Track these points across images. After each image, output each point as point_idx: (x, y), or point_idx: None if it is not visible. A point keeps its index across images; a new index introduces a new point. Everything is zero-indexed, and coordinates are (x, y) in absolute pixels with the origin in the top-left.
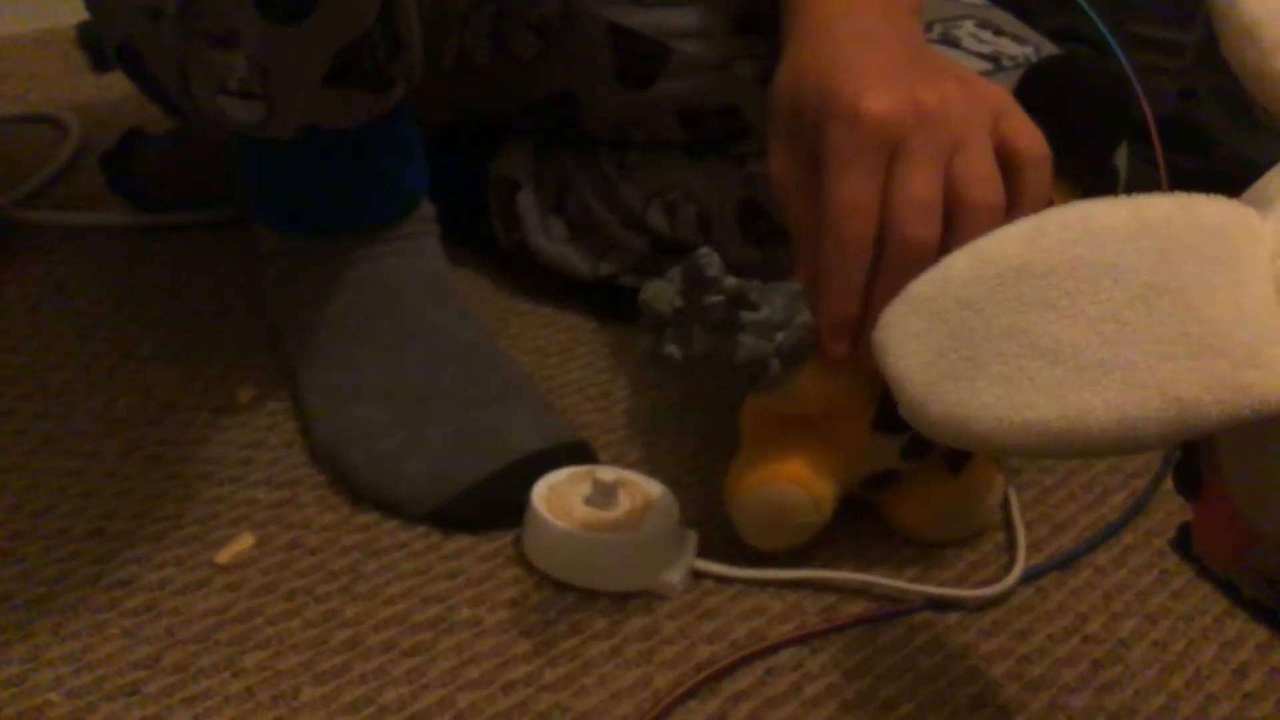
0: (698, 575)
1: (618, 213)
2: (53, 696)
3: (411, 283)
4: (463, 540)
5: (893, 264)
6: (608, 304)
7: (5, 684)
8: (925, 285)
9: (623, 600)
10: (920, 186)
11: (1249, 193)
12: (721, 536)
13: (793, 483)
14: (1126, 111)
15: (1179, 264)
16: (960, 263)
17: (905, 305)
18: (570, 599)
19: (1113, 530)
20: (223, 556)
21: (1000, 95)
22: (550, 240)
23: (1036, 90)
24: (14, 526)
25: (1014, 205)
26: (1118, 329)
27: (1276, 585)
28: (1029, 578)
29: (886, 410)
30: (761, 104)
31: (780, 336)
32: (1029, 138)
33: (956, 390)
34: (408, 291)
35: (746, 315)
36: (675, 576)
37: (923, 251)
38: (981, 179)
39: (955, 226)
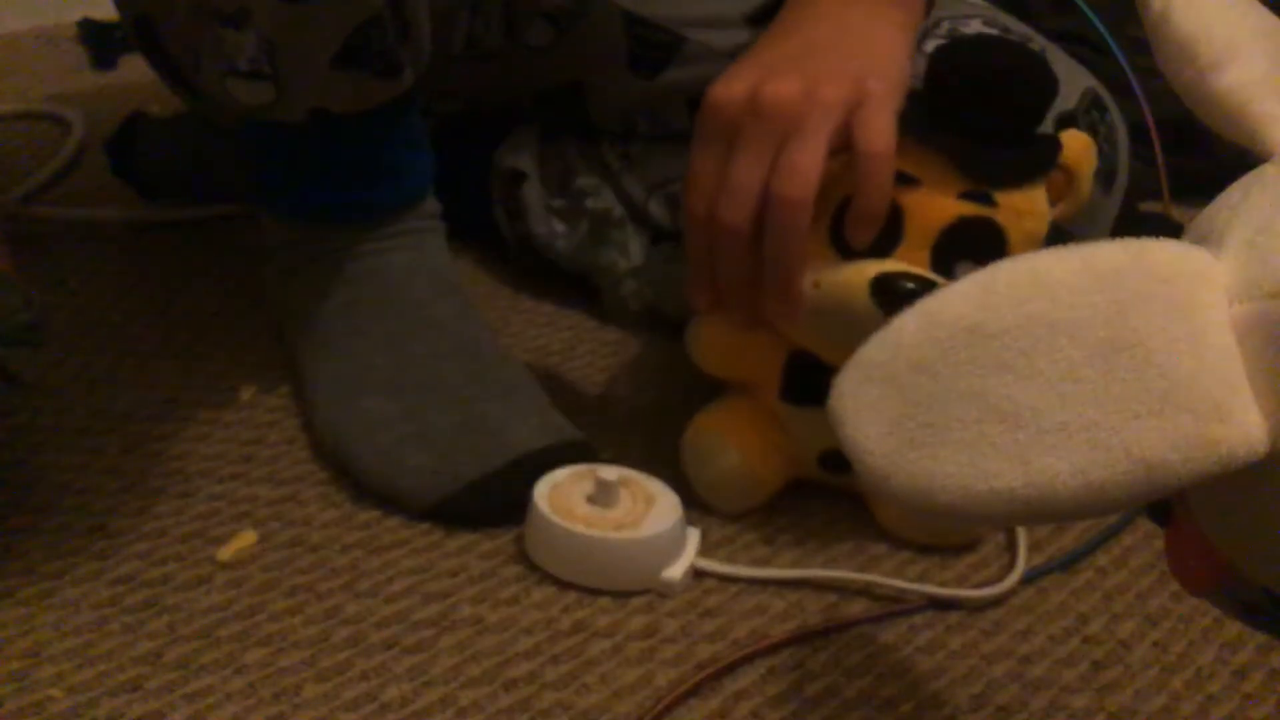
0: (699, 574)
1: (622, 204)
2: (54, 692)
3: (416, 278)
4: (464, 538)
5: (714, 244)
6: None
7: (7, 679)
8: (876, 350)
9: (624, 598)
10: (737, 172)
11: (1196, 224)
12: (723, 534)
13: (712, 430)
14: (1040, 86)
15: (1135, 316)
16: (910, 325)
17: (857, 372)
18: (572, 597)
19: (1113, 531)
20: (224, 553)
21: (865, 91)
22: (552, 232)
23: (946, 68)
24: (15, 522)
25: (854, 197)
26: (1077, 388)
27: (1254, 613)
28: (1029, 578)
29: (790, 381)
30: None
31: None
32: (870, 132)
33: (919, 459)
34: (413, 286)
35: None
36: (677, 575)
37: (734, 234)
38: (789, 171)
39: (765, 216)
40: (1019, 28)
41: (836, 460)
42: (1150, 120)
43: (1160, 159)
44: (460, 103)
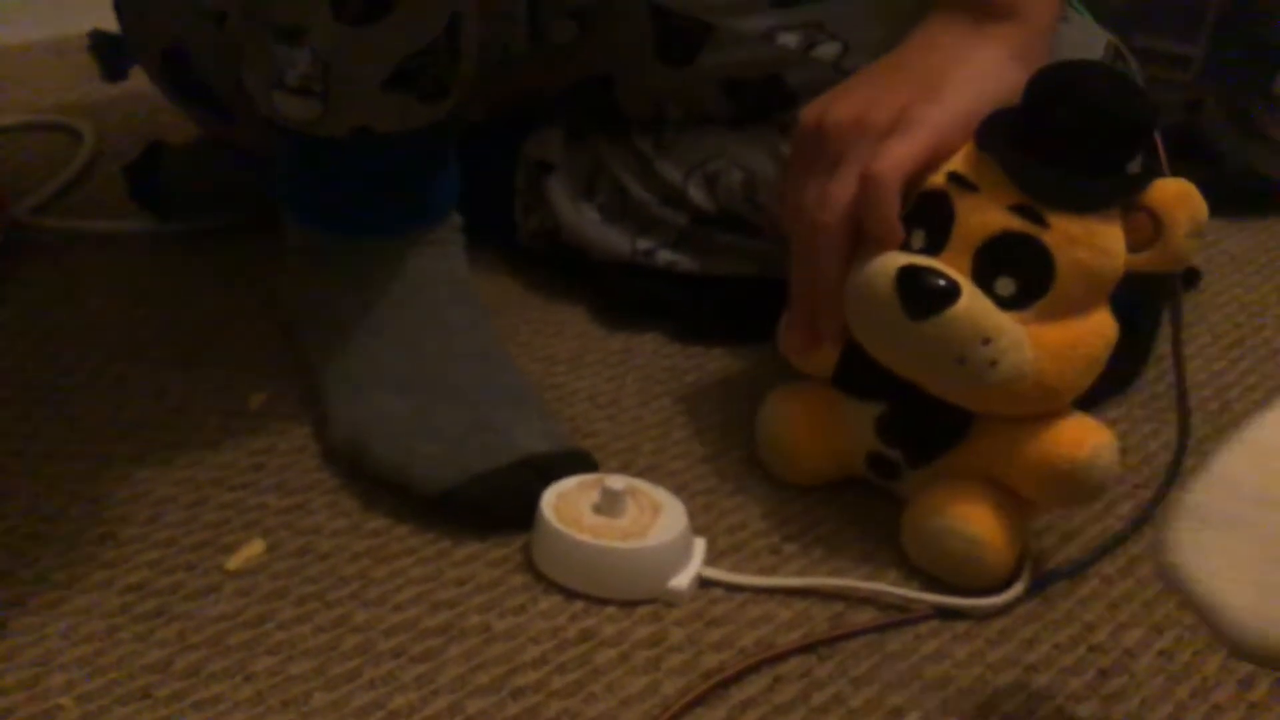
0: (706, 583)
1: (656, 191)
2: (64, 701)
3: (434, 283)
4: (472, 547)
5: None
6: (635, 287)
7: (18, 687)
8: (1204, 493)
9: (631, 608)
10: (794, 192)
11: None
12: (729, 544)
13: (774, 404)
14: (1138, 117)
15: None
16: (1237, 461)
17: (1189, 520)
18: (579, 606)
19: (1119, 540)
20: (233, 563)
21: (908, 117)
22: (584, 220)
23: (1040, 84)
24: (26, 530)
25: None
26: None
27: None
28: (1036, 587)
29: (844, 368)
30: (805, 71)
31: None
32: (879, 156)
33: None
34: (429, 291)
35: None
36: (683, 584)
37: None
38: (820, 198)
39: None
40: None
41: (882, 461)
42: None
43: (1165, 167)
44: (484, 105)
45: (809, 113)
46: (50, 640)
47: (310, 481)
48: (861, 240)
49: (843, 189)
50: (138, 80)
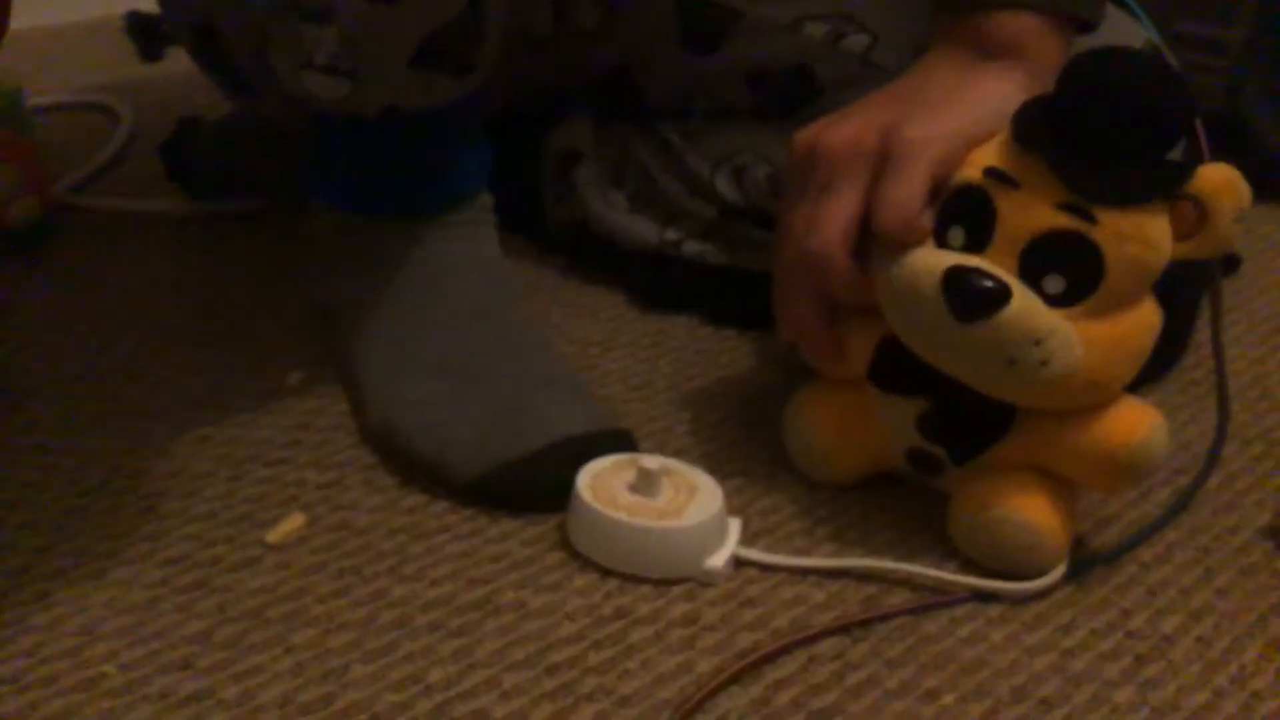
0: (740, 563)
1: (684, 181)
2: (108, 669)
3: (466, 267)
4: (507, 524)
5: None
6: (664, 276)
7: (62, 655)
8: None
9: (666, 586)
10: (785, 215)
11: None
12: (762, 526)
13: (802, 405)
14: (1168, 107)
15: None
16: None
17: None
18: (613, 584)
19: (1157, 526)
20: (273, 536)
21: (898, 141)
22: (612, 210)
23: (1073, 74)
24: (67, 504)
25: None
26: None
27: None
28: (1073, 572)
29: (879, 363)
30: (833, 64)
31: None
32: (881, 194)
33: None
34: (462, 274)
35: None
36: (719, 564)
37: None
38: (809, 223)
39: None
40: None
41: (923, 457)
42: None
43: (1206, 153)
44: (510, 91)
45: (801, 138)
46: (93, 610)
47: (347, 458)
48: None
49: (831, 212)
50: (174, 61)
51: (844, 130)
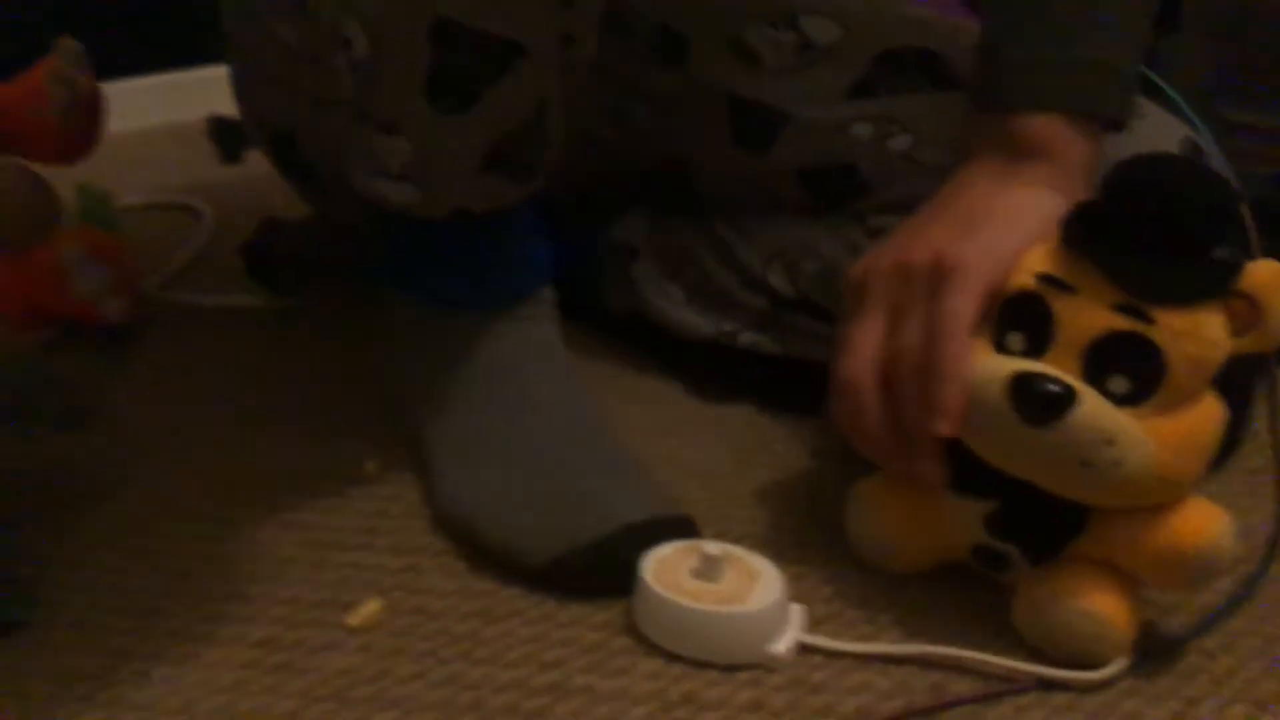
0: (805, 649)
1: (737, 274)
2: None
3: (531, 357)
4: (575, 609)
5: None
6: (720, 366)
7: None
8: None
9: (731, 672)
10: (839, 342)
11: None
12: (825, 612)
13: (866, 497)
14: (1213, 206)
15: None
16: None
17: None
18: (679, 669)
19: (1220, 614)
20: (354, 619)
21: (946, 262)
22: (669, 302)
23: (1120, 178)
24: (159, 588)
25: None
26: None
27: None
28: (1138, 661)
29: (950, 466)
30: (879, 162)
31: None
32: (939, 308)
33: None
34: (527, 364)
35: None
36: (782, 649)
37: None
38: (850, 347)
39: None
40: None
41: (990, 554)
42: (1245, 206)
43: (1256, 246)
44: (569, 186)
45: (855, 268)
46: (188, 690)
47: (421, 544)
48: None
49: (860, 339)
50: (253, 164)
51: (890, 253)
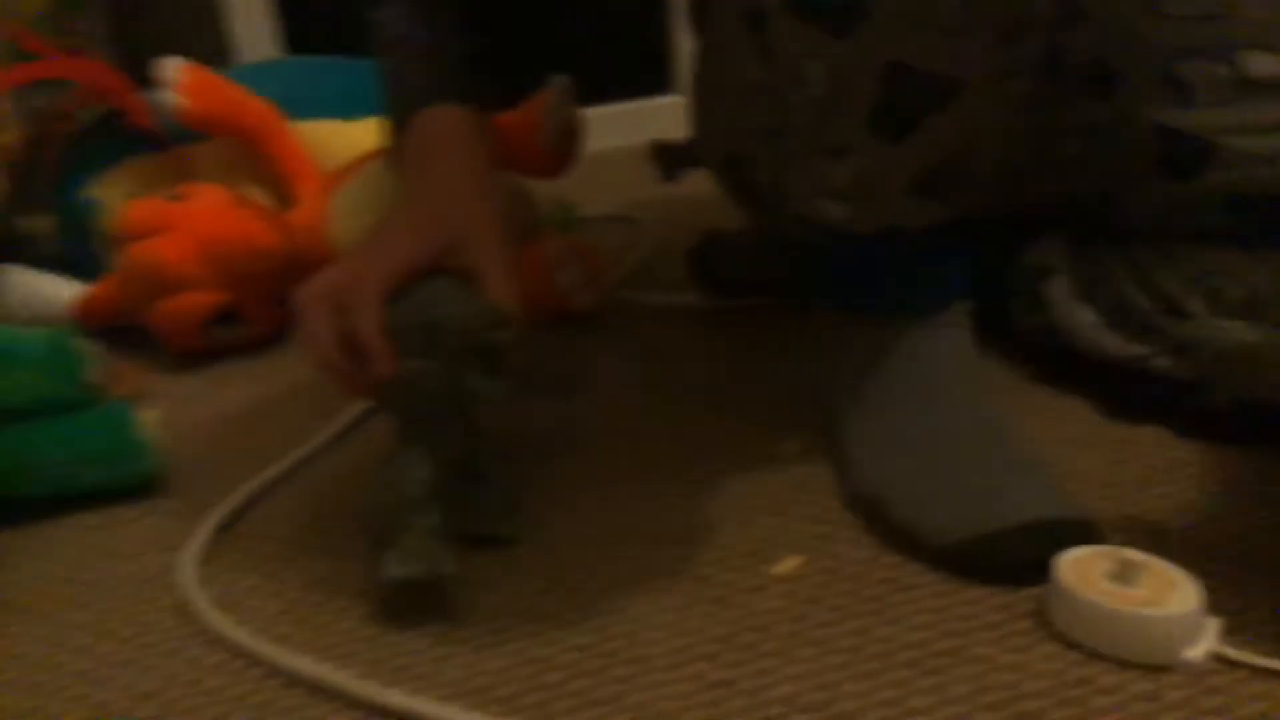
0: (1219, 660)
1: (1155, 299)
2: (652, 650)
3: (946, 363)
4: (978, 590)
5: None
6: (1132, 389)
7: (618, 637)
8: None
9: (1126, 664)
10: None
11: None
12: (1235, 624)
13: None
14: None
15: None
16: None
17: None
18: (1077, 655)
19: None
20: (778, 569)
21: (347, 283)
22: (1081, 323)
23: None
24: (615, 528)
25: None
26: None
27: None
28: None
29: None
30: None
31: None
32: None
33: None
34: (942, 369)
35: None
36: (1198, 656)
37: None
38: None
39: None
40: None
41: None
42: None
43: None
44: (986, 209)
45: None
46: (638, 610)
47: (835, 517)
48: None
49: (307, 334)
50: (690, 184)
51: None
